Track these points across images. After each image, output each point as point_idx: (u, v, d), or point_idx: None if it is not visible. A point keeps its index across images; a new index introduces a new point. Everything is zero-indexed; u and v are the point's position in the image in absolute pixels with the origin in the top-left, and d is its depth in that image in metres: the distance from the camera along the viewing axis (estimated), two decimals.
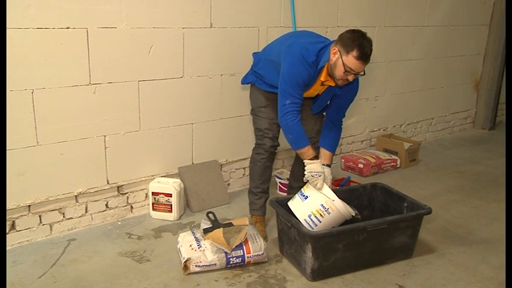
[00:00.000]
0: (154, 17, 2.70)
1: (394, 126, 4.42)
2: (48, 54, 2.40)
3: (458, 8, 4.57)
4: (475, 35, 4.88)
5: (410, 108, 4.51)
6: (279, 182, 3.37)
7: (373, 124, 4.24)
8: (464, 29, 4.71)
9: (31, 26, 2.32)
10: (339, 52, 2.27)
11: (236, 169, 3.36)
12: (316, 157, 2.41)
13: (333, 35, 2.50)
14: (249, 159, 2.82)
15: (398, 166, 3.94)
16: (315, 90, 2.51)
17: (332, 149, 2.61)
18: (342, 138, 3.99)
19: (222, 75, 3.09)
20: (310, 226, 2.30)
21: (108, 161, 2.74)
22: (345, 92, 2.53)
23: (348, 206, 2.40)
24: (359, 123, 4.11)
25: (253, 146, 2.75)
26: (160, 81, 2.83)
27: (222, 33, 3.02)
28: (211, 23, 2.96)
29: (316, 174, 2.35)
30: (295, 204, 2.39)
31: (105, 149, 2.71)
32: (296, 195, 2.44)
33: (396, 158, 3.93)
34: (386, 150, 4.08)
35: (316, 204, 2.32)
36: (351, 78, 2.31)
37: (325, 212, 2.30)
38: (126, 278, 2.26)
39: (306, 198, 2.37)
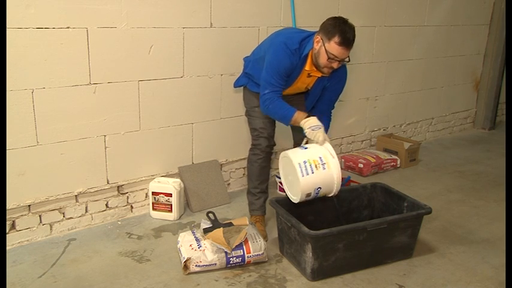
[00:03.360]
0: (154, 17, 2.71)
1: (394, 126, 4.42)
2: (48, 54, 2.40)
3: (458, 8, 4.57)
4: (475, 35, 4.88)
5: (410, 108, 4.51)
6: (279, 182, 3.37)
7: (373, 124, 4.24)
8: (464, 29, 4.71)
9: (31, 26, 2.32)
10: (321, 40, 2.27)
11: (236, 169, 3.37)
12: (310, 115, 2.37)
13: None
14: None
15: (398, 166, 3.94)
16: (303, 83, 2.51)
17: None
18: (342, 138, 4.00)
19: (222, 75, 3.09)
20: (301, 172, 2.22)
21: (108, 161, 2.74)
22: (333, 84, 2.53)
23: None
24: (359, 123, 4.11)
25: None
26: (160, 81, 2.83)
27: (222, 33, 3.02)
28: (211, 23, 2.96)
29: (316, 127, 2.30)
30: (294, 152, 2.34)
31: (105, 148, 2.71)
32: (296, 148, 2.41)
33: (396, 157, 3.93)
34: (386, 150, 4.08)
35: (315, 155, 2.26)
36: (335, 65, 2.31)
37: (320, 165, 2.24)
38: (126, 277, 2.26)
39: (305, 149, 2.32)
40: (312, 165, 2.23)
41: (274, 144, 2.70)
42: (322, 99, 2.60)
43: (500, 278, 2.32)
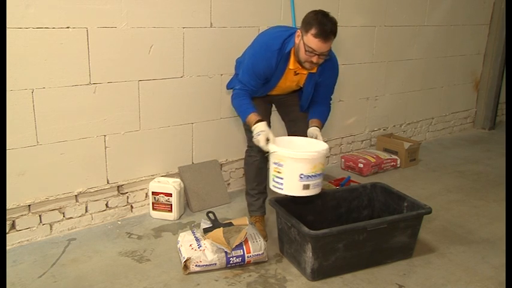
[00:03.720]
0: (154, 17, 2.71)
1: (394, 126, 4.42)
2: (48, 54, 2.40)
3: (458, 8, 4.57)
4: (475, 35, 4.88)
5: (410, 108, 4.51)
6: None
7: (373, 124, 4.24)
8: (464, 29, 4.71)
9: (31, 25, 2.32)
10: (301, 34, 2.24)
11: (236, 169, 3.37)
12: (261, 120, 2.32)
13: None
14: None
15: (398, 166, 3.94)
16: (292, 81, 2.48)
17: (320, 117, 2.51)
18: (342, 138, 4.00)
19: (222, 74, 3.09)
20: (279, 188, 2.24)
21: (108, 161, 2.74)
22: (325, 79, 2.48)
23: (313, 141, 2.33)
24: (359, 123, 4.11)
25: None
26: (160, 81, 2.83)
27: (222, 33, 3.02)
28: (211, 23, 2.96)
29: (257, 135, 2.27)
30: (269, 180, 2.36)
31: (105, 148, 2.71)
32: None
33: (396, 157, 3.93)
34: (386, 150, 4.08)
35: (271, 165, 2.27)
36: (314, 59, 2.24)
37: (279, 167, 2.22)
38: (126, 277, 2.26)
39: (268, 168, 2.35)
40: (277, 176, 2.24)
41: None
42: (318, 94, 2.54)
43: (500, 278, 2.32)
